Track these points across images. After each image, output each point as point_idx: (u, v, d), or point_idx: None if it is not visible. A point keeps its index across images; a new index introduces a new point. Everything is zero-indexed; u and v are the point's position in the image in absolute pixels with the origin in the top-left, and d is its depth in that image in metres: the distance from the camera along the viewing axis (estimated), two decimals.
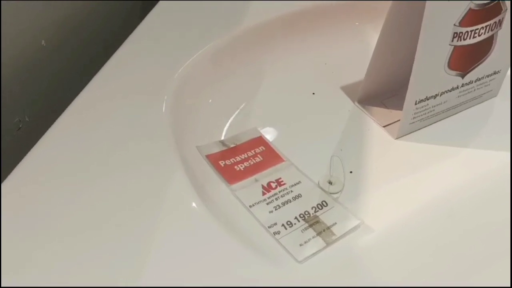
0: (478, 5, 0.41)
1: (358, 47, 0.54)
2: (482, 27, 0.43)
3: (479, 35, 0.43)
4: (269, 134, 0.44)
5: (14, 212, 0.33)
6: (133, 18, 0.51)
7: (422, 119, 0.46)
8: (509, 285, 0.36)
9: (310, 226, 0.36)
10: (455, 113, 0.48)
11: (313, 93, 0.50)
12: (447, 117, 0.48)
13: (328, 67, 0.53)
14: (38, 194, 0.34)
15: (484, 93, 0.49)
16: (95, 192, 0.35)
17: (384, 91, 0.49)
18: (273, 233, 0.36)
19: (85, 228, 0.33)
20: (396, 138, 0.46)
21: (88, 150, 0.38)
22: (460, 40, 0.43)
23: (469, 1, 0.41)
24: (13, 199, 0.34)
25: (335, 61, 0.53)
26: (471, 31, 0.43)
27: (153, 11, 0.50)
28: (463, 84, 0.46)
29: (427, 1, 0.38)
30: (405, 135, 0.46)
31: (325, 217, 0.37)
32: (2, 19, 0.40)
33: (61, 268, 0.31)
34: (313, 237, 0.36)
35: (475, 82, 0.47)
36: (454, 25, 0.41)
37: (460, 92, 0.47)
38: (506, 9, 0.44)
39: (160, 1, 0.52)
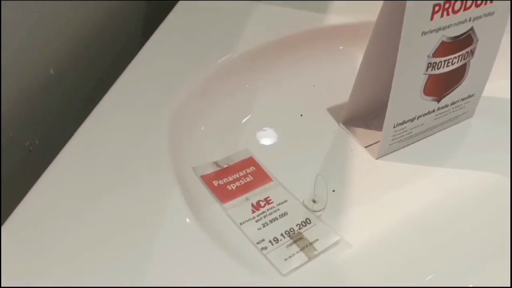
0: (450, 38, 0.45)
1: (344, 70, 0.57)
2: (455, 57, 0.47)
3: (452, 64, 0.47)
4: (259, 155, 0.48)
5: (28, 228, 0.37)
6: (133, 48, 0.55)
7: (400, 140, 0.49)
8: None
9: (294, 242, 0.40)
10: (432, 134, 0.52)
11: (301, 115, 0.53)
12: (424, 138, 0.51)
13: (315, 89, 0.56)
14: (52, 210, 0.38)
15: (460, 115, 0.53)
16: (100, 208, 0.39)
17: (367, 113, 0.52)
18: (261, 248, 0.40)
19: (90, 241, 0.37)
20: (377, 158, 0.49)
21: (94, 171, 0.41)
22: (434, 69, 0.46)
23: (442, 35, 0.44)
24: (29, 215, 0.38)
25: (323, 83, 0.57)
26: (444, 61, 0.46)
27: (148, 44, 0.54)
28: (439, 107, 0.50)
29: (402, 35, 0.42)
30: (385, 155, 0.50)
31: (308, 233, 0.41)
32: (15, 51, 0.44)
33: (66, 274, 0.35)
34: (296, 252, 0.39)
35: (450, 105, 0.51)
36: (428, 56, 0.45)
37: (436, 115, 0.50)
38: (477, 40, 0.47)
39: (156, 33, 0.55)
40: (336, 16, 0.60)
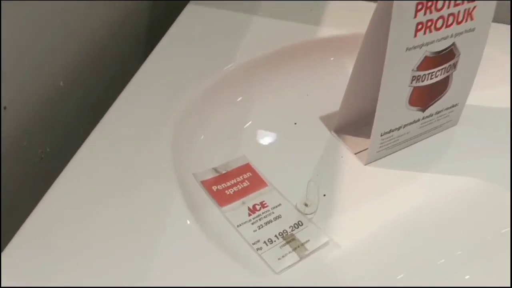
0: (433, 53, 0.48)
1: (336, 80, 0.60)
2: (438, 70, 0.50)
3: (435, 77, 0.50)
4: (255, 161, 0.51)
5: (43, 229, 0.40)
6: (136, 61, 0.58)
7: (387, 147, 0.53)
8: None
9: (287, 243, 0.43)
10: (418, 141, 0.55)
11: (295, 123, 0.57)
12: (411, 145, 0.55)
13: (309, 98, 0.60)
14: (67, 212, 0.42)
15: (445, 123, 0.56)
16: (107, 211, 0.42)
17: (357, 121, 0.55)
18: (256, 249, 0.43)
19: (98, 241, 0.40)
20: (365, 164, 0.52)
21: (102, 177, 0.45)
22: (418, 82, 0.50)
23: (425, 51, 0.48)
24: (45, 216, 0.41)
25: (316, 93, 0.60)
26: (428, 74, 0.50)
27: (150, 57, 0.57)
28: (424, 117, 0.53)
29: (387, 52, 0.45)
30: (373, 161, 0.53)
31: (300, 235, 0.44)
32: (28, 66, 0.47)
33: (76, 272, 0.38)
34: (289, 252, 0.43)
35: (435, 114, 0.54)
36: (412, 70, 0.48)
37: (421, 124, 0.54)
38: (460, 54, 0.51)
39: (157, 46, 0.58)
40: (328, 29, 0.63)
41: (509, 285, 0.42)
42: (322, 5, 0.68)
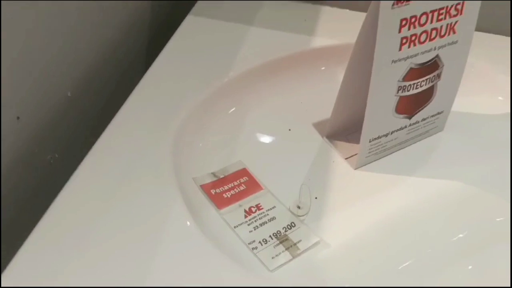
0: (418, 64, 0.52)
1: (329, 88, 0.63)
2: (423, 80, 0.53)
3: (420, 86, 0.54)
4: (251, 166, 0.55)
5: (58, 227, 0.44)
6: (137, 72, 0.62)
7: (376, 153, 0.56)
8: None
9: (281, 242, 0.47)
10: (406, 147, 0.58)
11: (289, 129, 0.60)
12: (398, 150, 0.58)
13: (302, 106, 0.63)
14: (76, 214, 0.45)
15: (431, 129, 0.59)
16: (113, 214, 0.45)
17: (347, 128, 0.58)
18: (252, 248, 0.46)
19: (104, 240, 0.43)
20: (355, 169, 0.56)
21: (107, 182, 0.48)
22: (404, 91, 0.53)
23: (410, 62, 0.51)
24: (55, 219, 0.44)
25: (309, 101, 0.63)
26: (413, 84, 0.53)
27: (150, 69, 0.60)
28: (410, 124, 0.56)
29: (373, 64, 0.49)
30: (362, 166, 0.56)
31: (293, 235, 0.47)
32: (38, 78, 0.50)
33: (82, 271, 0.41)
34: (282, 252, 0.46)
35: (421, 121, 0.57)
36: (398, 80, 0.51)
37: (408, 130, 0.57)
38: (443, 65, 0.54)
39: (157, 59, 0.61)
40: (321, 39, 0.66)
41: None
42: (316, 15, 0.71)
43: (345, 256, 0.47)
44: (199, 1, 0.71)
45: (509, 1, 0.67)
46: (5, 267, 0.41)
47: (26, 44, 0.47)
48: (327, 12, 0.72)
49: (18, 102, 0.47)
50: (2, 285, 0.39)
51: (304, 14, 0.71)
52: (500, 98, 0.64)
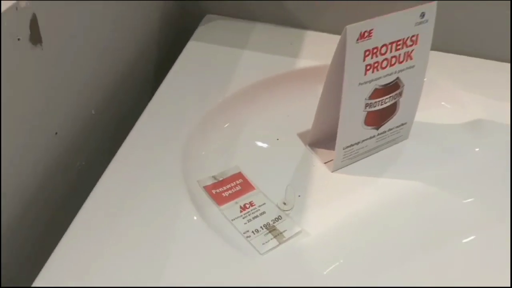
0: (381, 85, 0.62)
1: (311, 103, 0.74)
2: (387, 98, 0.63)
3: (385, 103, 0.64)
4: (245, 170, 0.65)
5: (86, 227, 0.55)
6: (146, 94, 0.72)
7: (349, 158, 0.66)
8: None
9: (269, 232, 0.57)
10: (375, 153, 0.67)
11: (277, 139, 0.70)
12: (369, 156, 0.68)
13: (289, 118, 0.72)
14: (104, 212, 0.56)
15: (397, 138, 0.69)
16: (133, 211, 0.55)
17: (326, 137, 0.66)
18: (246, 236, 0.57)
19: (128, 231, 0.54)
20: (332, 172, 0.65)
21: (127, 185, 0.58)
22: (371, 107, 0.63)
23: (375, 84, 0.62)
24: (89, 215, 0.55)
25: (294, 114, 0.72)
26: (379, 101, 0.63)
27: (158, 91, 0.69)
28: (378, 133, 0.67)
29: (343, 86, 0.59)
30: (339, 169, 0.66)
31: (279, 226, 0.58)
32: (71, 99, 0.61)
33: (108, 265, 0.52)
34: (271, 239, 0.56)
35: (388, 131, 0.67)
36: (365, 99, 0.62)
37: (377, 139, 0.67)
38: (404, 85, 0.65)
39: (164, 82, 0.71)
40: (305, 60, 0.76)
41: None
42: (301, 38, 0.82)
43: (321, 243, 0.57)
44: (198, 28, 0.82)
45: (468, 23, 0.78)
46: (47, 258, 0.50)
47: (64, 75, 0.58)
48: (311, 36, 0.82)
49: (56, 121, 0.58)
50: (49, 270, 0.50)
51: (290, 37, 0.82)
52: (458, 110, 0.72)
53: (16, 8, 0.44)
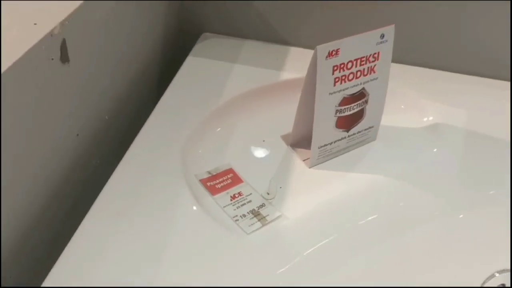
0: (349, 94, 0.74)
1: (293, 109, 0.83)
2: (354, 105, 0.75)
3: (353, 109, 0.75)
4: (235, 166, 0.76)
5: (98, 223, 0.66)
6: (151, 101, 0.83)
7: (324, 156, 0.77)
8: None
9: (255, 216, 0.69)
10: (347, 152, 0.75)
11: (263, 140, 0.81)
12: (341, 154, 0.79)
13: (274, 123, 0.80)
14: (116, 203, 0.67)
15: (365, 139, 0.80)
16: (140, 202, 0.66)
17: (304, 138, 0.72)
18: (235, 220, 0.68)
19: (137, 218, 0.65)
20: (309, 168, 0.76)
21: (135, 180, 0.69)
22: (341, 113, 0.74)
23: (343, 94, 0.73)
24: (100, 214, 0.67)
25: (279, 119, 0.79)
26: (347, 108, 0.74)
27: (161, 100, 0.78)
28: (348, 135, 0.78)
29: (316, 95, 0.71)
30: (315, 165, 0.77)
31: (263, 211, 0.69)
32: (90, 105, 0.73)
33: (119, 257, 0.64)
34: (255, 222, 0.67)
35: (357, 133, 0.78)
36: (336, 106, 0.73)
37: (347, 140, 0.78)
38: (369, 94, 0.76)
39: (166, 92, 0.80)
40: (288, 73, 0.86)
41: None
42: (285, 54, 0.94)
43: (298, 226, 0.67)
44: (196, 45, 0.94)
45: (429, 36, 0.90)
46: (65, 246, 0.59)
47: (85, 87, 0.68)
48: (294, 51, 0.92)
49: (78, 124, 0.69)
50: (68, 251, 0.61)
51: (276, 53, 0.92)
52: (419, 115, 0.80)
53: (51, 35, 0.56)
